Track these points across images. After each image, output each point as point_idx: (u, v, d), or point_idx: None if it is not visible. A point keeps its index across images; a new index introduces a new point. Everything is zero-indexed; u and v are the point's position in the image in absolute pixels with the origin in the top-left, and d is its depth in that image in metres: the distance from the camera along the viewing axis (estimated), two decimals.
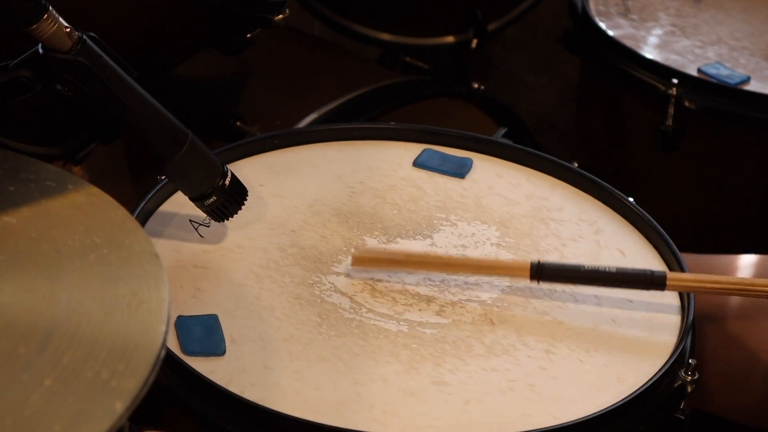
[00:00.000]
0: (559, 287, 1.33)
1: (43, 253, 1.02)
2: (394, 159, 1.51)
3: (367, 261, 1.31)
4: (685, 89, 1.91)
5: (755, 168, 1.96)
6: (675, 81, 1.91)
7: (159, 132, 1.27)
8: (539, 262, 1.30)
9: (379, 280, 1.31)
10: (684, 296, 1.33)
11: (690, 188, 2.01)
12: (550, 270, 1.30)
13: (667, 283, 1.30)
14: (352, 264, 1.31)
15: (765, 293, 1.32)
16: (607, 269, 1.30)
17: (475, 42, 2.22)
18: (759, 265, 1.69)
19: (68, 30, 1.19)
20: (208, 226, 1.36)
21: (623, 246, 1.41)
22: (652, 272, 1.31)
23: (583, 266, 1.30)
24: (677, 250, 1.37)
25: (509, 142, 1.62)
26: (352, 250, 1.34)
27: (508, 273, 1.32)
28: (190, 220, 1.36)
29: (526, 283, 1.31)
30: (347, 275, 1.31)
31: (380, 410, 1.15)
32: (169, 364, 1.16)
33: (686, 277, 1.32)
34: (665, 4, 2.17)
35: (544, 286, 1.33)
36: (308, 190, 1.44)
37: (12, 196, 1.07)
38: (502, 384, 1.20)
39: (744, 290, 1.35)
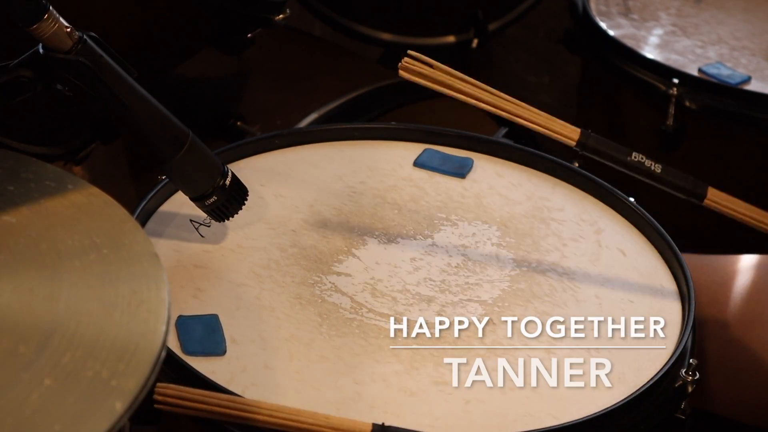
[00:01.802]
0: (559, 287, 1.33)
1: (43, 252, 1.02)
2: (394, 159, 1.51)
3: (414, 74, 1.25)
4: (685, 89, 1.91)
5: (755, 168, 1.96)
6: (676, 81, 1.91)
7: (159, 132, 1.27)
8: (589, 131, 1.27)
9: (380, 280, 1.31)
10: (685, 296, 1.33)
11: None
12: (597, 143, 1.26)
13: (707, 196, 1.27)
14: (400, 72, 1.25)
15: None
16: (652, 167, 1.26)
17: (475, 42, 2.22)
18: (759, 265, 1.69)
19: (69, 30, 1.19)
20: (209, 226, 1.36)
21: (624, 246, 1.41)
22: (694, 181, 1.28)
23: (631, 153, 1.26)
24: (678, 250, 1.37)
25: (510, 142, 1.61)
26: (358, 249, 1.34)
27: (556, 133, 1.27)
28: (191, 220, 1.36)
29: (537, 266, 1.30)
30: (348, 275, 1.31)
31: (381, 410, 1.15)
32: (169, 364, 1.16)
33: (724, 197, 1.28)
34: (666, 3, 2.17)
35: (544, 283, 1.32)
36: (309, 190, 1.44)
37: (12, 195, 1.07)
38: (502, 384, 1.20)
39: None
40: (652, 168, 1.25)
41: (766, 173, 1.95)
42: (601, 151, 1.26)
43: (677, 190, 1.27)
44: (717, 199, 1.26)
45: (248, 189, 1.34)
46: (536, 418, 1.17)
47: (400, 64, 1.23)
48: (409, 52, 1.23)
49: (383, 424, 1.12)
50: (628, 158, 1.25)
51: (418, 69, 1.23)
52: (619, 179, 1.66)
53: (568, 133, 1.26)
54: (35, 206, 1.06)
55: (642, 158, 1.25)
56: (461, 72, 1.30)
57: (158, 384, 1.10)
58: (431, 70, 1.24)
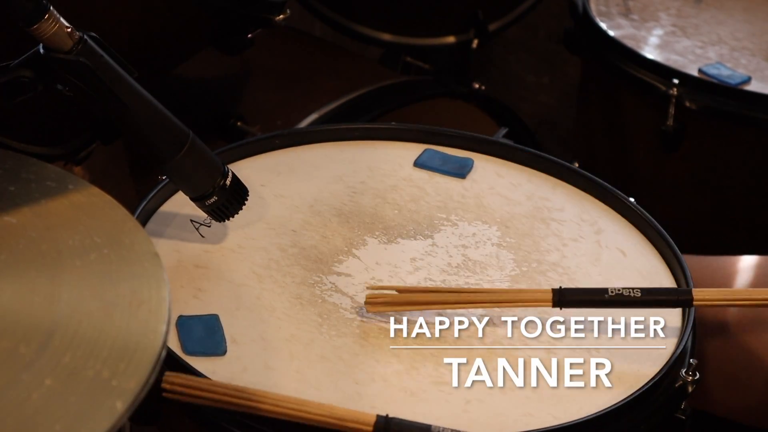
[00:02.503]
0: (559, 287, 1.33)
1: (43, 252, 1.02)
2: (395, 159, 1.51)
3: (381, 305, 1.28)
4: (685, 89, 1.91)
5: (756, 168, 1.96)
6: (676, 81, 1.91)
7: (160, 132, 1.27)
8: (561, 288, 1.28)
9: (380, 280, 1.31)
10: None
11: (691, 188, 2.01)
12: (572, 295, 1.28)
13: (694, 299, 1.28)
14: (367, 309, 1.27)
15: None
16: (631, 294, 1.27)
17: (476, 42, 2.22)
18: (760, 266, 1.69)
19: (69, 30, 1.19)
20: (209, 226, 1.36)
21: (624, 246, 1.41)
22: (677, 291, 1.30)
23: (607, 291, 1.28)
24: (678, 251, 1.37)
25: (510, 142, 1.61)
26: (359, 249, 1.34)
27: (530, 302, 1.28)
28: (191, 220, 1.36)
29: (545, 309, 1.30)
30: (348, 275, 1.31)
31: (381, 410, 1.15)
32: (170, 364, 1.16)
33: (712, 292, 1.29)
34: (666, 4, 2.17)
35: (545, 283, 1.33)
36: (309, 190, 1.44)
37: (12, 196, 1.07)
38: (502, 384, 1.20)
39: None
40: (632, 295, 1.26)
41: (766, 173, 1.96)
42: (579, 299, 1.27)
43: (665, 305, 1.28)
44: (705, 296, 1.28)
45: (248, 189, 1.34)
46: (536, 418, 1.17)
47: (365, 302, 1.27)
48: (368, 294, 1.26)
49: (387, 415, 1.12)
50: (606, 296, 1.27)
51: (383, 300, 1.26)
52: (619, 179, 1.66)
53: (541, 296, 1.27)
54: (36, 206, 1.06)
55: (619, 291, 1.27)
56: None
57: (167, 373, 1.11)
58: (396, 295, 1.27)
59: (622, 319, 1.30)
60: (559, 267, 1.36)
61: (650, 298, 1.28)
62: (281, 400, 1.12)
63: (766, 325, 1.57)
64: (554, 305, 1.27)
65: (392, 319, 1.26)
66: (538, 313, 1.29)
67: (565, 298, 1.27)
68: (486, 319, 1.28)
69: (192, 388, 1.11)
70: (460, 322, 1.27)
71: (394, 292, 1.27)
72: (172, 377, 1.11)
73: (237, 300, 1.26)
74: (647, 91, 1.95)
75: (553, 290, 1.27)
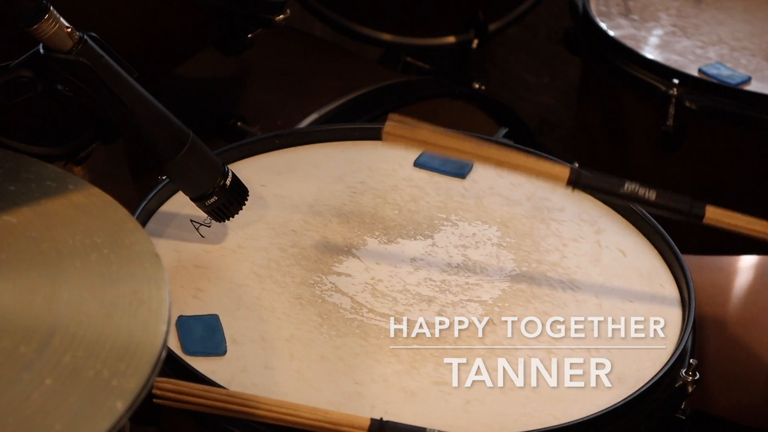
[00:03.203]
0: (559, 287, 1.33)
1: (43, 252, 1.02)
2: (395, 159, 1.51)
3: (398, 137, 1.24)
4: (685, 89, 1.91)
5: (756, 168, 1.96)
6: (676, 81, 1.91)
7: (160, 132, 1.27)
8: (579, 168, 1.26)
9: (380, 280, 1.31)
10: (685, 296, 1.33)
11: (691, 188, 2.01)
12: (588, 179, 1.25)
13: (705, 216, 1.26)
14: (384, 139, 1.24)
15: None
16: (646, 195, 1.25)
17: (476, 42, 2.22)
18: (760, 265, 1.69)
19: (69, 30, 1.19)
20: (209, 226, 1.36)
21: (624, 246, 1.41)
22: (690, 202, 1.28)
23: (623, 185, 1.24)
24: (678, 251, 1.37)
25: (510, 142, 1.62)
26: (359, 249, 1.34)
27: (547, 176, 1.26)
28: (191, 220, 1.36)
29: (533, 283, 1.30)
30: (348, 275, 1.31)
31: (381, 410, 1.15)
32: (170, 364, 1.16)
33: (724, 213, 1.28)
34: (666, 4, 2.17)
35: (545, 283, 1.33)
36: (309, 190, 1.44)
37: (13, 195, 1.07)
38: (502, 384, 1.20)
39: None
40: (646, 195, 1.24)
41: (766, 173, 1.96)
42: (594, 186, 1.25)
43: (675, 213, 1.26)
44: (716, 216, 1.26)
45: (248, 189, 1.34)
46: (536, 418, 1.17)
47: (384, 129, 1.23)
48: (391, 115, 1.22)
49: (381, 419, 1.12)
50: (622, 190, 1.24)
51: (401, 132, 1.23)
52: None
53: (557, 172, 1.25)
54: (36, 206, 1.06)
55: (636, 187, 1.25)
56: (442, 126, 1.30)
57: (156, 378, 1.10)
58: (413, 130, 1.23)
59: (622, 319, 1.30)
60: (559, 267, 1.37)
61: (663, 203, 1.26)
62: (274, 404, 1.11)
63: (766, 325, 1.57)
64: (568, 183, 1.25)
65: (392, 319, 1.26)
66: (537, 313, 1.30)
67: (580, 180, 1.25)
68: (486, 319, 1.28)
69: (183, 393, 1.11)
70: (460, 322, 1.27)
71: (415, 129, 1.24)
72: (162, 383, 1.11)
73: (237, 300, 1.26)
74: (647, 91, 1.95)
75: (572, 168, 1.26)
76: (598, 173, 1.27)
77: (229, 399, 1.11)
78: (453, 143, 1.25)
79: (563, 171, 1.25)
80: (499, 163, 1.25)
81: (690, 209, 1.26)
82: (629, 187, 1.24)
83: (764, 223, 1.31)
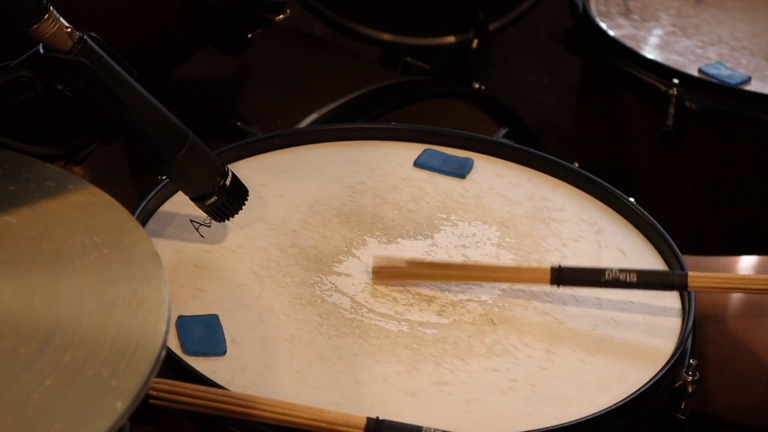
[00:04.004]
0: (559, 287, 1.33)
1: (43, 252, 1.02)
2: (394, 159, 1.51)
3: (387, 275, 1.30)
4: (685, 89, 1.91)
5: (756, 168, 1.96)
6: (676, 81, 1.91)
7: (160, 132, 1.27)
8: (560, 267, 1.30)
9: None
10: (685, 296, 1.33)
11: (691, 188, 2.01)
12: (571, 274, 1.30)
13: (689, 284, 1.30)
14: (374, 280, 1.30)
15: None
16: (627, 278, 1.29)
17: (476, 42, 2.22)
18: (760, 266, 1.69)
19: (69, 30, 1.19)
20: (209, 226, 1.36)
21: (624, 246, 1.41)
22: (672, 275, 1.31)
23: (605, 272, 1.29)
24: (678, 251, 1.37)
25: (510, 142, 1.62)
26: (359, 249, 1.34)
27: (529, 280, 1.31)
28: (191, 220, 1.36)
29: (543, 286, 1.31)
30: (348, 275, 1.31)
31: (381, 410, 1.15)
32: (169, 364, 1.16)
33: (706, 277, 1.31)
34: (666, 4, 2.17)
35: (545, 285, 1.33)
36: (309, 190, 1.44)
37: (12, 195, 1.07)
38: (502, 384, 1.20)
39: (761, 290, 1.33)
40: (628, 279, 1.29)
41: (766, 173, 1.96)
42: (576, 279, 1.30)
43: (660, 288, 1.30)
44: (700, 281, 1.30)
45: (248, 189, 1.34)
46: (536, 418, 1.17)
47: (373, 272, 1.30)
48: (375, 264, 1.31)
49: (377, 417, 1.12)
50: (604, 278, 1.29)
51: (389, 272, 1.30)
52: (619, 179, 1.66)
53: (539, 275, 1.30)
54: (36, 206, 1.06)
55: (616, 273, 1.29)
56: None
57: (153, 379, 1.10)
58: (401, 268, 1.30)
59: (623, 319, 1.30)
60: None
61: (646, 281, 1.30)
62: (270, 404, 1.11)
63: (766, 325, 1.57)
64: (552, 283, 1.29)
65: (392, 319, 1.26)
66: (537, 313, 1.30)
67: (563, 276, 1.30)
68: (486, 319, 1.28)
69: (179, 394, 1.11)
70: (460, 322, 1.27)
71: (402, 264, 1.29)
72: (158, 383, 1.10)
73: (237, 300, 1.26)
74: (647, 91, 1.95)
75: (552, 269, 1.30)
76: (579, 267, 1.32)
77: (225, 399, 1.11)
78: (436, 271, 1.31)
79: (544, 272, 1.30)
80: (482, 278, 1.32)
81: (672, 280, 1.31)
82: (610, 274, 1.29)
83: (745, 277, 1.35)
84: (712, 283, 1.31)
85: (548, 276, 1.30)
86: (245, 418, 1.11)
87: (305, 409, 1.11)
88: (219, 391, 1.12)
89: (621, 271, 1.29)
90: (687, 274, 1.30)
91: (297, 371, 1.19)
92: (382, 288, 1.30)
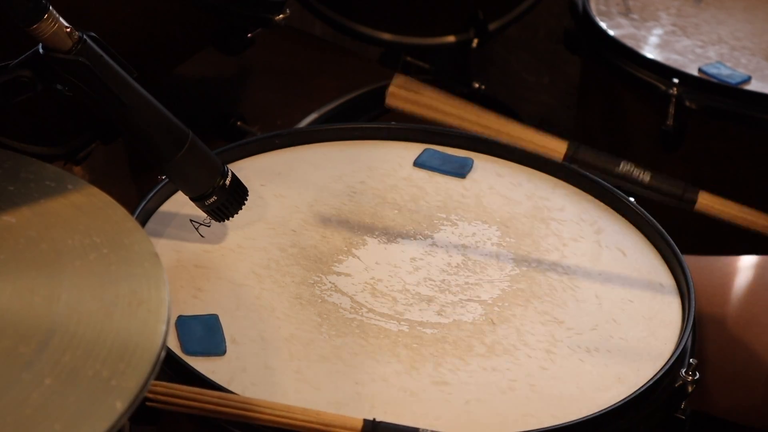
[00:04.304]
0: (559, 287, 1.33)
1: (42, 252, 1.02)
2: (394, 159, 1.51)
3: (402, 99, 1.26)
4: (685, 89, 1.91)
5: (756, 168, 1.96)
6: (676, 81, 1.91)
7: (159, 132, 1.27)
8: (577, 144, 1.27)
9: (380, 280, 1.31)
10: (685, 296, 1.33)
11: None
12: (585, 155, 1.26)
13: (698, 201, 1.27)
14: (387, 100, 1.26)
15: None
16: (640, 177, 1.26)
17: (476, 42, 2.22)
18: (760, 265, 1.69)
19: (69, 30, 1.19)
20: (209, 226, 1.36)
21: (624, 246, 1.41)
22: (683, 186, 1.28)
23: (620, 164, 1.25)
24: (678, 251, 1.37)
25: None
26: (358, 249, 1.34)
27: (544, 148, 1.27)
28: (191, 220, 1.36)
29: (534, 273, 1.31)
30: (348, 275, 1.31)
31: (381, 410, 1.15)
32: (169, 363, 1.16)
33: (716, 200, 1.28)
34: (666, 3, 2.17)
35: (544, 283, 1.33)
36: (309, 189, 1.44)
37: (12, 195, 1.07)
38: (502, 384, 1.20)
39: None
40: (641, 177, 1.26)
41: (766, 173, 1.95)
42: (590, 162, 1.26)
43: (668, 197, 1.27)
44: (708, 202, 1.26)
45: (248, 189, 1.34)
46: (536, 418, 1.17)
47: (388, 90, 1.25)
48: (397, 75, 1.23)
49: (374, 419, 1.12)
50: (617, 169, 1.26)
51: (405, 95, 1.25)
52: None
53: (555, 146, 1.26)
54: (35, 206, 1.06)
55: (631, 168, 1.26)
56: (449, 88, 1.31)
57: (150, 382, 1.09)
58: (417, 95, 1.25)
59: (623, 319, 1.30)
60: (559, 267, 1.37)
61: (656, 185, 1.27)
62: (266, 407, 1.11)
63: (766, 325, 1.57)
64: (565, 158, 1.26)
65: (392, 319, 1.26)
66: (537, 313, 1.30)
67: (578, 155, 1.26)
68: (486, 319, 1.28)
69: (176, 396, 1.11)
70: (460, 322, 1.27)
71: (421, 90, 1.26)
72: (155, 386, 1.10)
73: (237, 300, 1.26)
74: (647, 90, 1.95)
75: (570, 144, 1.26)
76: (596, 151, 1.27)
77: (221, 401, 1.11)
78: (454, 110, 1.25)
79: (561, 145, 1.25)
80: (498, 133, 1.26)
81: (683, 193, 1.26)
82: (624, 167, 1.26)
83: (756, 213, 1.32)
84: (720, 207, 1.28)
85: (564, 149, 1.25)
86: (242, 420, 1.11)
87: (302, 410, 1.11)
88: (216, 393, 1.11)
89: (636, 167, 1.26)
90: (699, 192, 1.27)
91: (297, 371, 1.18)
92: (381, 288, 1.30)
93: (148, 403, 1.10)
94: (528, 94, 2.83)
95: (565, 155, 1.25)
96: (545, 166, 1.51)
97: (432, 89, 1.26)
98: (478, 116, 1.26)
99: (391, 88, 1.25)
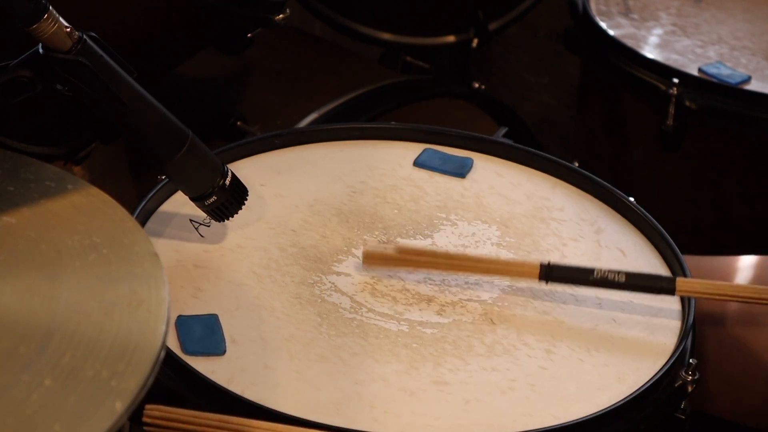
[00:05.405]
0: (559, 287, 1.33)
1: (42, 253, 1.02)
2: (394, 159, 1.51)
3: (377, 260, 1.30)
4: (685, 89, 1.91)
5: (756, 168, 1.96)
6: (676, 80, 1.91)
7: (159, 132, 1.27)
8: (549, 263, 1.30)
9: (380, 280, 1.31)
10: (685, 297, 1.33)
11: (690, 188, 2.01)
12: (559, 272, 1.30)
13: (677, 289, 1.30)
14: (364, 262, 1.31)
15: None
16: (616, 278, 1.29)
17: (476, 42, 2.22)
18: (759, 266, 1.69)
19: (68, 30, 1.19)
20: (209, 226, 1.36)
21: (624, 246, 1.41)
22: (660, 278, 1.31)
23: (593, 272, 1.30)
24: (678, 251, 1.37)
25: (510, 141, 1.61)
26: (358, 248, 1.34)
27: (518, 274, 1.31)
28: (191, 220, 1.36)
29: (532, 283, 1.31)
30: (348, 275, 1.31)
31: (380, 410, 1.15)
32: (169, 363, 1.16)
33: (695, 283, 1.31)
34: (666, 3, 2.17)
35: (534, 282, 1.33)
36: (309, 189, 1.44)
37: (11, 195, 1.07)
38: (502, 384, 1.20)
39: (750, 299, 1.34)
40: (616, 279, 1.29)
41: (766, 173, 1.95)
42: (564, 276, 1.31)
43: (648, 291, 1.31)
44: (688, 287, 1.30)
45: (248, 189, 1.34)
46: (536, 418, 1.17)
47: (363, 256, 1.31)
48: (365, 249, 1.32)
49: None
50: (592, 277, 1.29)
51: (380, 256, 1.31)
52: (619, 179, 1.66)
53: (528, 269, 1.30)
54: (35, 206, 1.06)
55: (605, 272, 1.29)
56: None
57: (146, 406, 1.08)
58: (393, 253, 1.31)
59: (623, 319, 1.30)
60: None
61: (635, 282, 1.30)
62: (268, 429, 1.10)
63: (766, 325, 1.57)
64: (540, 279, 1.29)
65: (392, 319, 1.26)
66: (537, 313, 1.30)
67: (552, 273, 1.30)
68: (486, 318, 1.28)
69: (174, 420, 1.10)
70: (460, 322, 1.27)
71: (391, 251, 1.30)
72: (152, 410, 1.09)
73: (236, 300, 1.26)
74: (647, 90, 1.95)
75: (541, 265, 1.29)
76: (568, 265, 1.32)
77: (221, 424, 1.10)
78: (425, 257, 1.31)
79: (533, 267, 1.30)
80: (473, 268, 1.32)
81: (661, 285, 1.30)
82: (599, 273, 1.29)
83: (739, 286, 1.36)
84: (701, 289, 1.31)
85: (537, 271, 1.30)
86: None
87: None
88: (215, 416, 1.10)
89: (610, 271, 1.29)
90: (675, 279, 1.30)
91: (296, 371, 1.18)
92: (382, 288, 1.30)
93: (146, 428, 1.09)
94: (528, 94, 2.83)
95: (540, 274, 1.29)
96: (545, 166, 1.51)
97: (399, 247, 1.32)
98: (448, 259, 1.31)
99: (364, 256, 1.31)
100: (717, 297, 1.33)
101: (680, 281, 1.30)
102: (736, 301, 1.41)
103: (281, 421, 1.10)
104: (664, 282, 1.30)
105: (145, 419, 1.08)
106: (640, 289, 1.30)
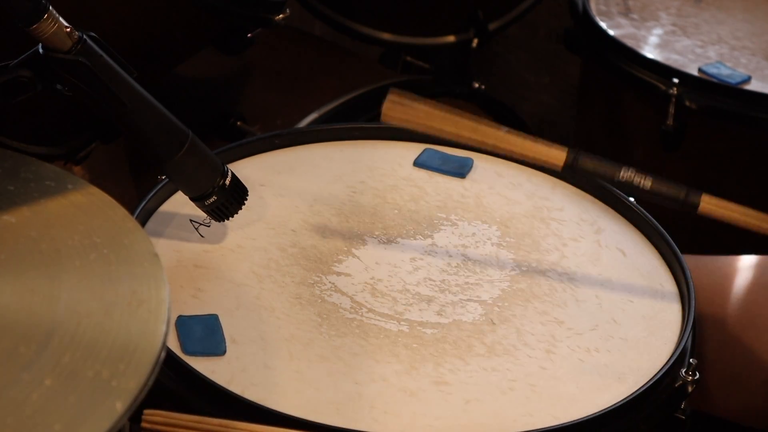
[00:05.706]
0: (559, 287, 1.33)
1: (42, 252, 1.02)
2: (394, 159, 1.51)
3: (397, 115, 1.23)
4: (685, 89, 1.91)
5: (756, 168, 1.96)
6: (676, 80, 1.91)
7: (159, 132, 1.27)
8: (578, 150, 1.24)
9: (380, 280, 1.31)
10: (685, 296, 1.33)
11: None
12: (586, 163, 1.23)
13: (701, 203, 1.24)
14: (382, 117, 1.25)
15: None
16: (641, 183, 1.23)
17: (476, 41, 2.22)
18: (759, 265, 1.69)
19: (68, 30, 1.19)
20: (209, 226, 1.36)
21: (624, 246, 1.41)
22: (688, 191, 1.26)
23: (620, 170, 1.22)
24: (678, 250, 1.37)
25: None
26: (358, 249, 1.34)
27: (544, 156, 1.24)
28: (191, 220, 1.36)
29: (534, 275, 1.31)
30: (348, 275, 1.31)
31: (380, 410, 1.15)
32: (169, 364, 1.16)
33: (721, 204, 1.25)
34: (666, 3, 2.17)
35: (544, 283, 1.33)
36: (309, 189, 1.44)
37: (12, 195, 1.07)
38: (502, 384, 1.20)
39: None
40: (642, 183, 1.23)
41: (767, 173, 1.95)
42: (590, 170, 1.24)
43: (670, 201, 1.24)
44: (712, 205, 1.24)
45: (248, 189, 1.34)
46: (536, 418, 1.17)
47: (382, 107, 1.23)
48: (392, 90, 1.23)
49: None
50: (617, 177, 1.23)
51: (400, 111, 1.23)
52: None
53: (554, 154, 1.23)
54: (35, 206, 1.06)
55: (632, 174, 1.23)
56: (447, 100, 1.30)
57: (145, 411, 1.08)
58: (412, 110, 1.23)
59: (622, 319, 1.30)
60: (559, 267, 1.37)
61: (658, 190, 1.24)
62: None
63: (766, 325, 1.57)
64: (564, 167, 1.23)
65: (392, 319, 1.26)
66: (537, 313, 1.30)
67: (577, 163, 1.23)
68: (486, 319, 1.28)
69: (174, 426, 1.09)
70: (460, 322, 1.27)
71: (416, 104, 1.23)
72: (152, 415, 1.08)
73: (236, 300, 1.26)
74: (647, 90, 1.95)
75: (569, 151, 1.24)
76: (596, 157, 1.25)
77: (222, 429, 1.09)
78: (450, 125, 1.23)
79: (560, 153, 1.23)
80: (495, 146, 1.24)
81: (685, 197, 1.24)
82: (625, 174, 1.23)
83: (760, 215, 1.30)
84: (723, 209, 1.25)
85: (563, 157, 1.23)
86: None
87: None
88: (216, 420, 1.10)
89: (637, 174, 1.23)
90: (702, 195, 1.25)
91: (297, 371, 1.18)
92: (381, 288, 1.30)
93: None
94: (528, 94, 2.82)
95: (565, 163, 1.22)
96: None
97: (427, 103, 1.24)
98: (475, 129, 1.23)
99: (386, 105, 1.23)
100: (738, 221, 1.27)
101: (705, 198, 1.23)
102: (755, 229, 1.32)
103: (282, 424, 1.10)
104: (690, 196, 1.24)
105: (144, 424, 1.08)
106: (663, 198, 1.24)
